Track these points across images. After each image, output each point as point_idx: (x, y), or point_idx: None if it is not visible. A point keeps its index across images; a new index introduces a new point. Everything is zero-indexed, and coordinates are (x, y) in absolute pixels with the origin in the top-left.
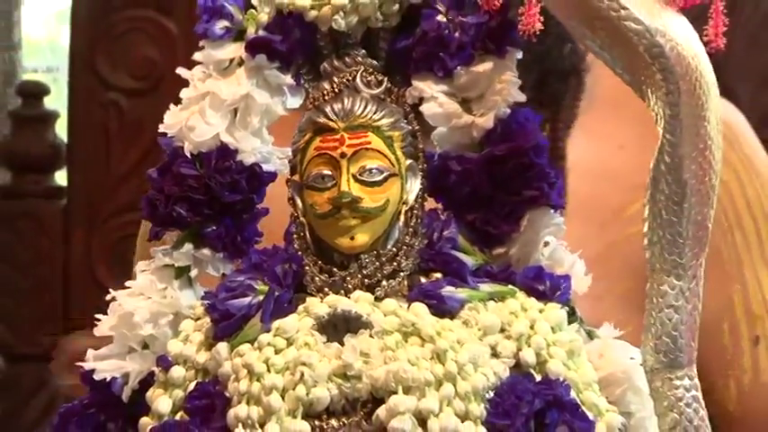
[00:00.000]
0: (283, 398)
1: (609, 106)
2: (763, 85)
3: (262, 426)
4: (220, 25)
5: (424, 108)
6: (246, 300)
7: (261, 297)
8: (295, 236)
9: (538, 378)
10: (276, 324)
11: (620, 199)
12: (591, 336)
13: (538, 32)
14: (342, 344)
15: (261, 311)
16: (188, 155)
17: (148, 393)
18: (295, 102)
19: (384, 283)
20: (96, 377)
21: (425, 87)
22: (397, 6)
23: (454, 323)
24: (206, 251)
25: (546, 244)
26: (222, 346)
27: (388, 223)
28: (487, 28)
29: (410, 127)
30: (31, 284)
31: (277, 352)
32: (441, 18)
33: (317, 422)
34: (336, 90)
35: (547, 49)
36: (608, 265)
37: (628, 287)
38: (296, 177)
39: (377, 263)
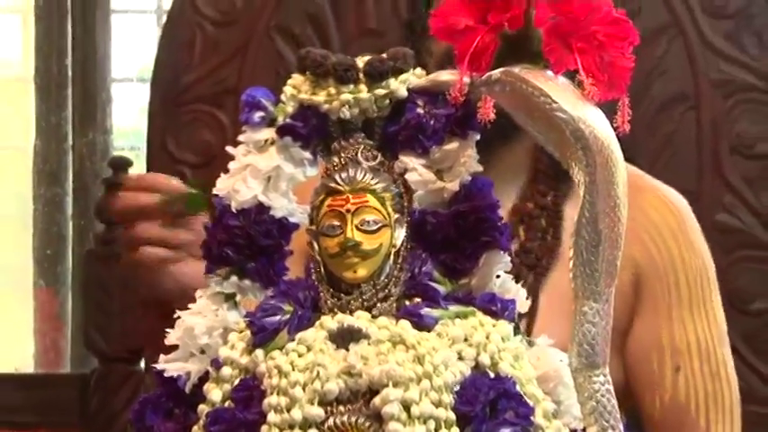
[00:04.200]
0: (304, 390)
1: None
2: (656, 161)
3: (288, 411)
4: (258, 115)
5: (408, 176)
6: (277, 317)
7: (288, 315)
8: (313, 270)
9: (492, 375)
10: (299, 335)
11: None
12: (530, 344)
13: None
14: (347, 350)
15: (288, 326)
16: (234, 211)
17: (205, 387)
18: (313, 171)
19: (378, 305)
20: (166, 375)
21: (409, 161)
22: (387, 101)
23: (430, 335)
24: (247, 282)
25: (497, 276)
26: (259, 352)
27: (382, 261)
28: (454, 117)
29: (398, 190)
30: (119, 306)
31: (299, 356)
32: (420, 110)
33: (329, 408)
34: (343, 162)
35: None
36: None
37: None
38: (313, 227)
39: (373, 290)
